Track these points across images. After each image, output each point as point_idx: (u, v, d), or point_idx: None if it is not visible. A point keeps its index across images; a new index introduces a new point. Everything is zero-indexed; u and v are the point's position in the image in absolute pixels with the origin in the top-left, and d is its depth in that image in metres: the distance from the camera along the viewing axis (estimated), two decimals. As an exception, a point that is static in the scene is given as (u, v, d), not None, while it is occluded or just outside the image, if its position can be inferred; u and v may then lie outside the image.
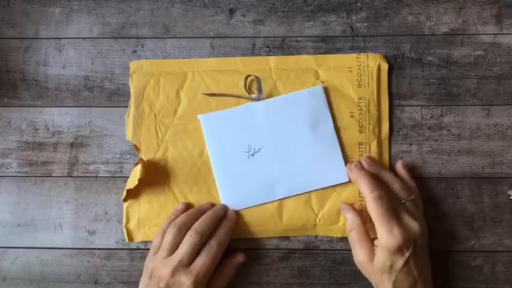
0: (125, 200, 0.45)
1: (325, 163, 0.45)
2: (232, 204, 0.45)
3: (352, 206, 0.44)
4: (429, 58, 0.48)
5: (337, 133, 0.46)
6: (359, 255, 0.41)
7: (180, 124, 0.46)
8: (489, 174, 0.46)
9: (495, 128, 0.47)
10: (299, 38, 0.48)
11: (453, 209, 0.46)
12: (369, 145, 0.46)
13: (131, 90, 0.47)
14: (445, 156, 0.46)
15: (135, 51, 0.48)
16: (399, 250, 0.39)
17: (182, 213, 0.43)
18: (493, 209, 0.46)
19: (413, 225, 0.40)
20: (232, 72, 0.47)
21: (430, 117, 0.47)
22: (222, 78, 0.47)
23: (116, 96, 0.48)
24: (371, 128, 0.46)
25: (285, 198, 0.45)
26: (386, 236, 0.39)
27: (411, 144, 0.47)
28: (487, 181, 0.46)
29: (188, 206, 0.45)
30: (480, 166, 0.46)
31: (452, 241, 0.45)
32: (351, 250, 0.43)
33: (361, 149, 0.46)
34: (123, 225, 0.45)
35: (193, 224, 0.42)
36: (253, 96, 0.46)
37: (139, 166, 0.43)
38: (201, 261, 0.40)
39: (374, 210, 0.40)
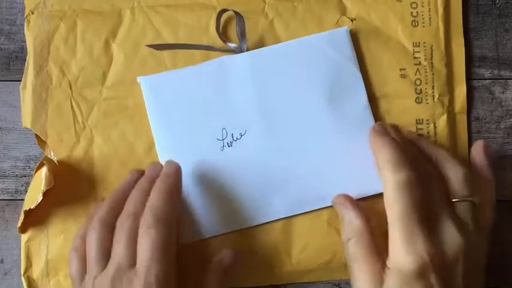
0: (23, 229, 0.34)
1: (353, 157, 0.34)
2: (202, 230, 0.33)
3: (351, 199, 0.33)
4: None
5: (376, 105, 0.34)
6: (359, 280, 0.31)
7: (113, 98, 0.34)
8: None
9: None
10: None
11: None
12: (434, 123, 0.34)
13: (28, 43, 0.35)
14: None
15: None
16: (420, 275, 0.28)
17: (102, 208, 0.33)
18: None
19: (455, 241, 0.29)
20: (198, 7, 0.35)
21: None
22: (181, 19, 0.35)
23: (17, 61, 0.36)
24: (436, 96, 0.35)
25: (290, 217, 0.33)
26: (404, 251, 0.29)
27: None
28: None
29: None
30: None
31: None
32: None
33: (420, 130, 0.34)
34: (22, 273, 0.34)
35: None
36: (232, 45, 0.34)
37: (44, 171, 0.33)
38: (145, 254, 0.30)
39: (393, 204, 0.29)
